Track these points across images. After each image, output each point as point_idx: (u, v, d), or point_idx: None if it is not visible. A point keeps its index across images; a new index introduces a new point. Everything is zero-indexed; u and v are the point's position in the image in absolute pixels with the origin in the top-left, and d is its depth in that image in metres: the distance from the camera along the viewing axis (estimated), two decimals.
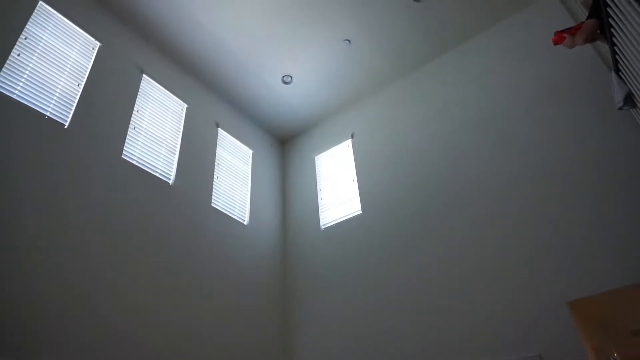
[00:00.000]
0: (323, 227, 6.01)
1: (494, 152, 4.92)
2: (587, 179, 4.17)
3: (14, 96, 3.83)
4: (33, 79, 4.05)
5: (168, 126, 5.33)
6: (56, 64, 4.32)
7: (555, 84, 4.82)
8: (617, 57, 3.06)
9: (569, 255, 3.97)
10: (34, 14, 4.28)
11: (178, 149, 5.29)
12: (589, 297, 3.72)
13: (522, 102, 4.98)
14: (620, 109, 3.33)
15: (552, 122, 4.66)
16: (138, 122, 4.94)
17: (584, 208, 4.07)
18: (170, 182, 4.99)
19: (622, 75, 3.21)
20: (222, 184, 5.76)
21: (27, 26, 4.17)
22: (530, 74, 5.08)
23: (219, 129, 6.15)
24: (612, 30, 2.86)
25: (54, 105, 4.14)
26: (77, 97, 4.37)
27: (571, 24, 4.71)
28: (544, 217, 4.26)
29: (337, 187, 6.25)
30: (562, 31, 3.52)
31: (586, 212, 4.05)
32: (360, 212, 5.74)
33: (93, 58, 4.73)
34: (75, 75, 4.47)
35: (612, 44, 2.99)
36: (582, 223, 4.03)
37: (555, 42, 3.58)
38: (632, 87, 3.12)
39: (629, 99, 3.23)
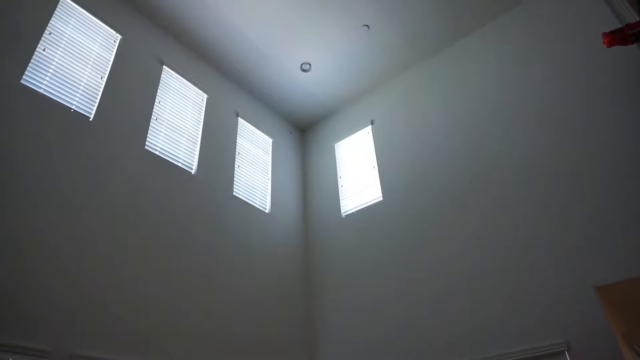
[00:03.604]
0: (344, 215, 6.02)
1: (514, 135, 4.81)
2: (612, 161, 4.05)
3: (41, 90, 3.93)
4: (58, 73, 4.14)
5: (189, 116, 5.39)
6: (80, 57, 4.40)
7: (576, 69, 4.67)
8: None
9: (597, 239, 3.88)
10: (57, 9, 4.36)
11: (199, 139, 5.35)
12: (618, 282, 3.64)
13: (541, 85, 4.85)
14: None
15: (571, 106, 4.52)
16: (160, 113, 5.01)
17: (613, 190, 3.96)
18: (193, 172, 5.06)
19: None
20: (243, 173, 5.82)
21: (51, 21, 4.25)
22: (549, 57, 4.93)
23: (239, 118, 6.19)
24: None
25: (79, 98, 4.23)
26: (101, 90, 4.45)
27: (605, 10, 4.58)
28: (571, 200, 4.17)
29: (358, 174, 6.24)
30: (613, 32, 3.45)
31: (615, 194, 3.94)
32: (381, 198, 5.72)
33: (115, 51, 4.80)
34: (98, 68, 4.55)
35: None
36: (611, 204, 3.93)
37: (609, 44, 3.51)
38: None
39: None
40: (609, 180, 4.03)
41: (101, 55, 4.64)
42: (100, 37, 4.71)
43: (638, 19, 3.32)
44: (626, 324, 4.17)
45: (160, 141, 4.85)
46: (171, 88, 5.33)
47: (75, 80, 4.26)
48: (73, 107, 4.13)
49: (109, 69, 4.63)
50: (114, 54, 4.77)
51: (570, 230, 4.06)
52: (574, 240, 4.01)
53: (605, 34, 3.50)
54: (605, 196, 3.99)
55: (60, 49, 4.26)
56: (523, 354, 3.86)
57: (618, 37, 3.42)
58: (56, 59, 4.17)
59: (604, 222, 3.91)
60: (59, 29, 4.32)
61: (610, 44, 3.48)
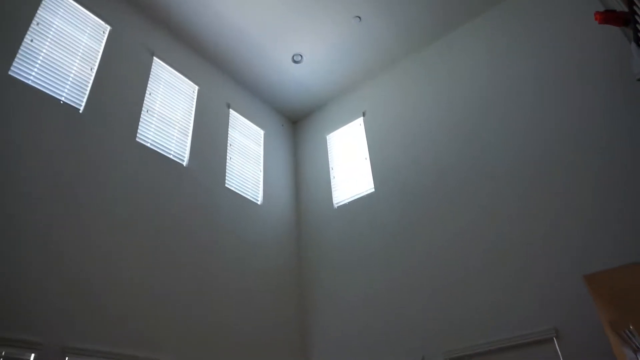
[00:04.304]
0: (336, 206, 6.05)
1: (506, 126, 4.86)
2: (603, 151, 4.11)
3: (29, 82, 3.87)
4: (47, 64, 4.08)
5: (180, 108, 5.35)
6: (68, 48, 4.34)
7: (565, 60, 4.71)
8: (637, 26, 2.98)
9: (585, 229, 3.96)
10: None
11: (191, 131, 5.32)
12: (605, 270, 3.72)
13: (532, 76, 4.89)
14: (639, 80, 3.26)
15: (563, 95, 4.57)
16: (151, 105, 4.97)
17: (601, 181, 4.03)
18: (184, 163, 5.04)
19: None
20: (235, 165, 5.80)
21: (38, 11, 4.17)
22: (539, 48, 4.97)
23: (231, 110, 6.15)
24: None
25: (69, 90, 4.17)
26: (91, 82, 4.40)
27: (592, 5, 4.62)
28: (560, 191, 4.23)
29: (350, 165, 6.26)
30: (606, 12, 3.48)
31: (603, 185, 4.01)
32: (373, 189, 5.75)
33: (104, 42, 4.74)
34: (88, 59, 4.49)
35: (633, 13, 2.91)
36: (598, 197, 4.00)
37: (601, 21, 3.54)
38: None
39: None
40: (598, 172, 4.09)
41: (90, 46, 4.57)
42: (88, 28, 4.64)
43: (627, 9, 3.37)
44: (613, 311, 4.27)
45: (151, 133, 4.82)
46: (162, 79, 5.28)
47: (64, 71, 4.20)
48: (62, 98, 4.08)
49: (98, 60, 4.57)
50: (103, 45, 4.71)
51: (559, 222, 4.13)
52: (562, 231, 4.08)
53: (597, 13, 3.53)
54: (593, 188, 4.06)
55: (49, 39, 4.19)
56: (513, 341, 3.93)
57: (611, 16, 3.45)
58: (44, 50, 4.11)
59: (591, 213, 3.98)
60: (46, 19, 4.24)
61: (603, 22, 3.51)
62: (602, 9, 4.52)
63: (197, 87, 5.72)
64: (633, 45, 3.20)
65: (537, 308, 3.94)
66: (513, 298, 4.11)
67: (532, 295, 4.01)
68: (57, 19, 4.36)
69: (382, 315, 4.89)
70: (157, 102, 5.08)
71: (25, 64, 3.89)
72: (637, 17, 2.86)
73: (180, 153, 5.07)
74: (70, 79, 4.23)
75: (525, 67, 5.03)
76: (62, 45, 4.29)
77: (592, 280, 3.85)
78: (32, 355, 3.05)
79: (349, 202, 5.93)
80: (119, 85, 4.67)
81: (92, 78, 4.43)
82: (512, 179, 4.59)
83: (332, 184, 6.29)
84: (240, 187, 5.70)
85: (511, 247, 4.31)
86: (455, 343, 4.28)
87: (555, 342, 3.73)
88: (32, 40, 4.02)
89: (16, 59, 3.82)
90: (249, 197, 5.73)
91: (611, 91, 4.28)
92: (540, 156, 4.49)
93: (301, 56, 6.17)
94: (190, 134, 5.30)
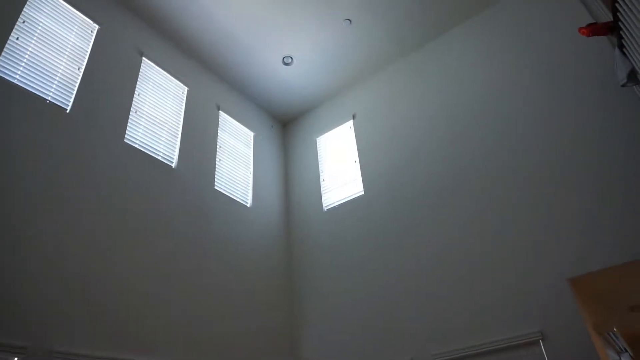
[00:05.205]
0: (326, 209, 6.05)
1: (495, 131, 4.91)
2: (588, 157, 4.17)
3: (15, 81, 3.81)
4: (33, 63, 4.03)
5: (169, 109, 5.31)
6: (55, 47, 4.29)
7: (556, 63, 4.78)
8: (621, 32, 3.04)
9: (570, 233, 4.01)
10: None
11: (180, 133, 5.29)
12: (589, 273, 3.77)
13: (522, 80, 4.94)
14: (623, 85, 3.32)
15: (552, 100, 4.63)
16: (139, 106, 4.92)
17: (585, 185, 4.09)
18: (173, 165, 5.01)
19: (626, 52, 3.19)
20: (224, 167, 5.78)
21: (24, 9, 4.12)
22: (530, 52, 5.03)
23: (220, 111, 6.13)
24: (617, 4, 2.83)
25: (55, 89, 4.12)
26: (78, 81, 4.35)
27: (581, 9, 4.70)
28: (545, 196, 4.28)
29: (339, 168, 6.27)
30: (590, 25, 3.56)
31: (587, 189, 4.07)
32: (363, 192, 5.76)
33: (92, 41, 4.69)
34: (75, 59, 4.44)
35: (616, 19, 2.96)
36: (583, 200, 4.05)
37: (589, 34, 3.61)
38: (635, 63, 3.10)
39: (632, 76, 3.22)
40: (583, 177, 4.15)
41: (78, 46, 4.53)
42: (76, 27, 4.59)
43: (612, 18, 3.44)
44: (597, 313, 4.32)
45: (139, 134, 4.78)
46: (151, 80, 5.25)
47: (51, 70, 4.15)
48: (49, 98, 4.03)
49: (86, 60, 4.52)
50: (91, 44, 4.66)
51: (545, 226, 4.18)
52: (548, 236, 4.12)
53: (581, 28, 3.60)
54: (578, 193, 4.11)
55: (35, 38, 4.13)
56: (500, 344, 3.96)
57: (597, 27, 3.52)
58: (30, 49, 4.05)
59: (576, 217, 4.03)
60: (33, 17, 4.19)
61: (591, 34, 3.58)
62: (588, 15, 4.60)
63: (186, 89, 5.69)
64: (617, 51, 3.26)
65: (523, 311, 3.98)
66: (500, 301, 4.14)
67: (518, 299, 4.05)
68: (44, 17, 4.30)
69: (371, 318, 4.90)
70: (146, 103, 5.04)
71: (10, 63, 3.83)
72: (620, 23, 2.91)
73: (169, 154, 5.04)
74: (57, 78, 4.18)
75: (517, 69, 5.08)
76: (48, 44, 4.24)
77: (577, 283, 3.90)
78: (16, 359, 3.00)
79: (339, 205, 5.93)
80: (107, 85, 4.62)
81: (80, 78, 4.38)
82: (500, 184, 4.63)
83: (321, 186, 6.29)
84: (229, 189, 5.68)
85: (498, 251, 4.35)
86: (443, 346, 4.30)
87: (542, 344, 3.77)
88: (17, 39, 3.96)
89: (1, 58, 3.76)
90: (238, 200, 5.70)
91: (603, 95, 4.35)
92: (529, 161, 4.54)
93: (291, 58, 6.17)
94: (179, 136, 5.26)
